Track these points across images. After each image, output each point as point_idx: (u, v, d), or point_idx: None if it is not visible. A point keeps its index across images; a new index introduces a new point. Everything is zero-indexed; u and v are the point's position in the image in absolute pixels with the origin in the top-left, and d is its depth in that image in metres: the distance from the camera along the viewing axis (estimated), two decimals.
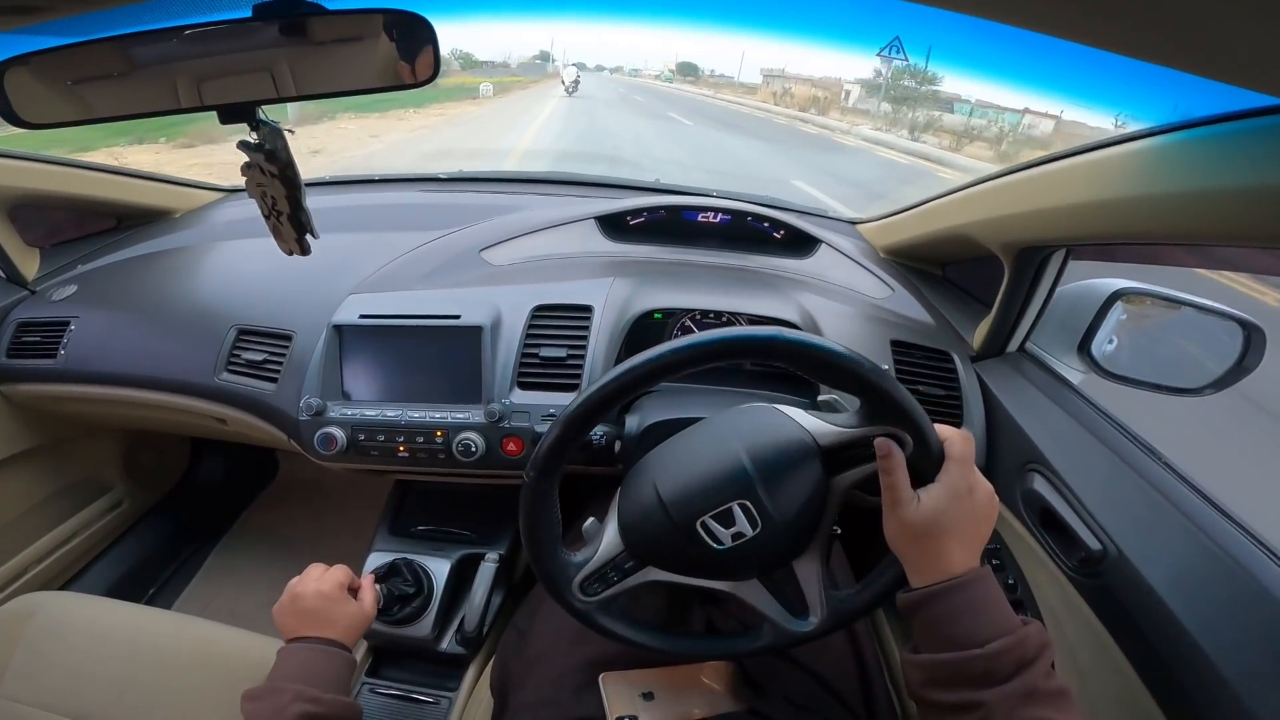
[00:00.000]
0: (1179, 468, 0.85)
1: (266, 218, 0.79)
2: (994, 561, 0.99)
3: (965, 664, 0.56)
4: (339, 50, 0.67)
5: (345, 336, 1.12)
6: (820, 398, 0.78)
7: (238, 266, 1.37)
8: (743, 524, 0.67)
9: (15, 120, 0.65)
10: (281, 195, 0.74)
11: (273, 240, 1.39)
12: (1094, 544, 0.82)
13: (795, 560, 0.73)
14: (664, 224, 1.44)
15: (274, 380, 1.16)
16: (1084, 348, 1.05)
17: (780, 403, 1.04)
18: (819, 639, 0.75)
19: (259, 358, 1.18)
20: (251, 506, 2.03)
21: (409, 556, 1.22)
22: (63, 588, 1.53)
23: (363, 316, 1.11)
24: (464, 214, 1.47)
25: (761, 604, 0.75)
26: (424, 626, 1.16)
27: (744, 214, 1.42)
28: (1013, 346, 1.15)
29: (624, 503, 0.74)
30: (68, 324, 1.28)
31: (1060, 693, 0.56)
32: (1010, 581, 0.96)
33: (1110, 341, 1.08)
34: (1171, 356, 1.04)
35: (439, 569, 1.22)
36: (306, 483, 2.07)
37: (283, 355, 1.17)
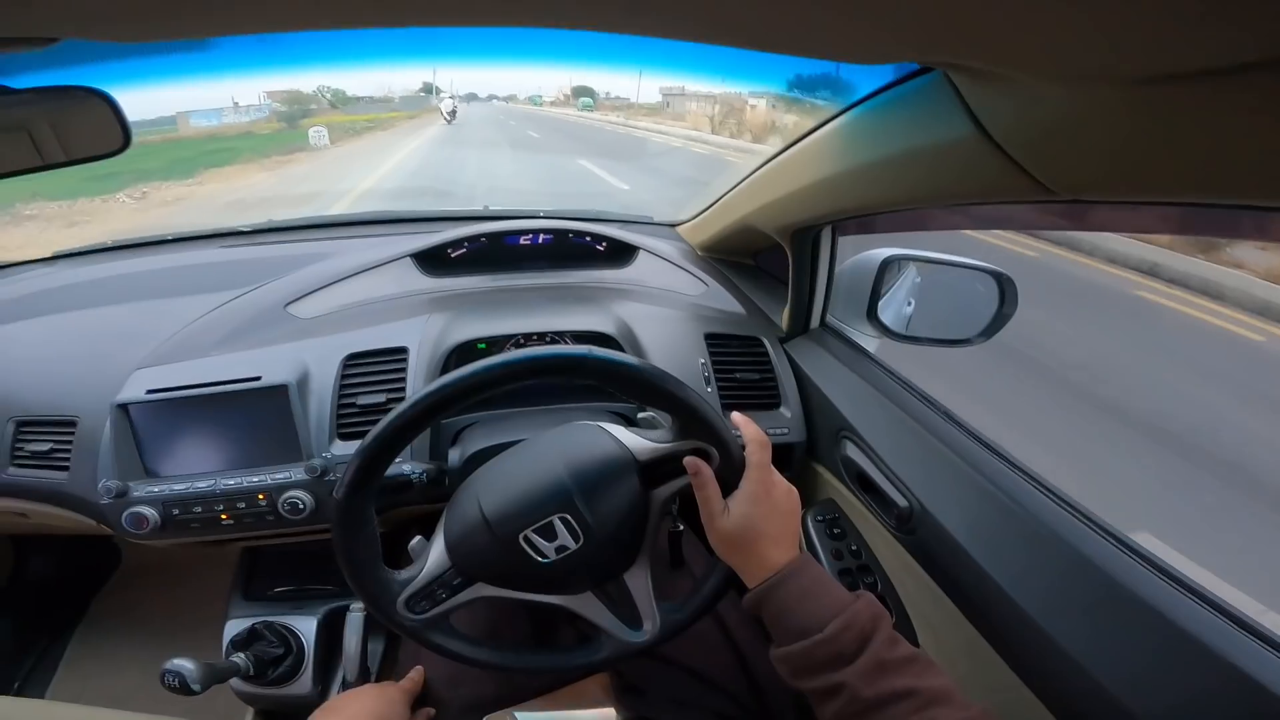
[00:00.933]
0: (962, 420, 0.94)
1: None
2: (835, 530, 1.05)
3: (812, 651, 0.62)
4: (57, 123, 0.66)
5: (135, 414, 1.07)
6: (640, 414, 0.83)
7: (9, 353, 1.29)
8: (565, 537, 0.70)
9: None
10: None
11: (47, 321, 1.34)
12: (902, 501, 0.90)
13: (625, 572, 0.77)
14: (487, 252, 1.45)
15: (65, 469, 1.11)
16: (872, 314, 1.14)
17: (604, 415, 1.09)
18: (656, 647, 0.79)
19: (44, 448, 1.13)
20: (102, 592, 1.93)
21: (269, 619, 1.22)
22: None
23: (150, 392, 1.07)
24: (269, 268, 1.43)
25: (596, 616, 0.77)
26: (303, 684, 1.18)
27: (565, 232, 1.46)
28: (814, 323, 1.24)
29: (449, 520, 0.76)
30: None
31: (910, 659, 0.61)
32: (854, 548, 1.03)
33: (909, 305, 1.18)
34: (952, 313, 1.15)
35: (305, 626, 1.22)
36: (156, 561, 1.97)
37: (69, 441, 1.12)
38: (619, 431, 0.77)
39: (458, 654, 0.77)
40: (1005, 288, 1.04)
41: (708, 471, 0.71)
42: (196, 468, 1.08)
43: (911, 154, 0.69)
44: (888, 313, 1.15)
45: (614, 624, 0.78)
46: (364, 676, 1.14)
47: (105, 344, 1.23)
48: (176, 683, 0.95)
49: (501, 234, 1.44)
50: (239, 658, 1.11)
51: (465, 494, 0.77)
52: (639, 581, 0.78)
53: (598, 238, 1.48)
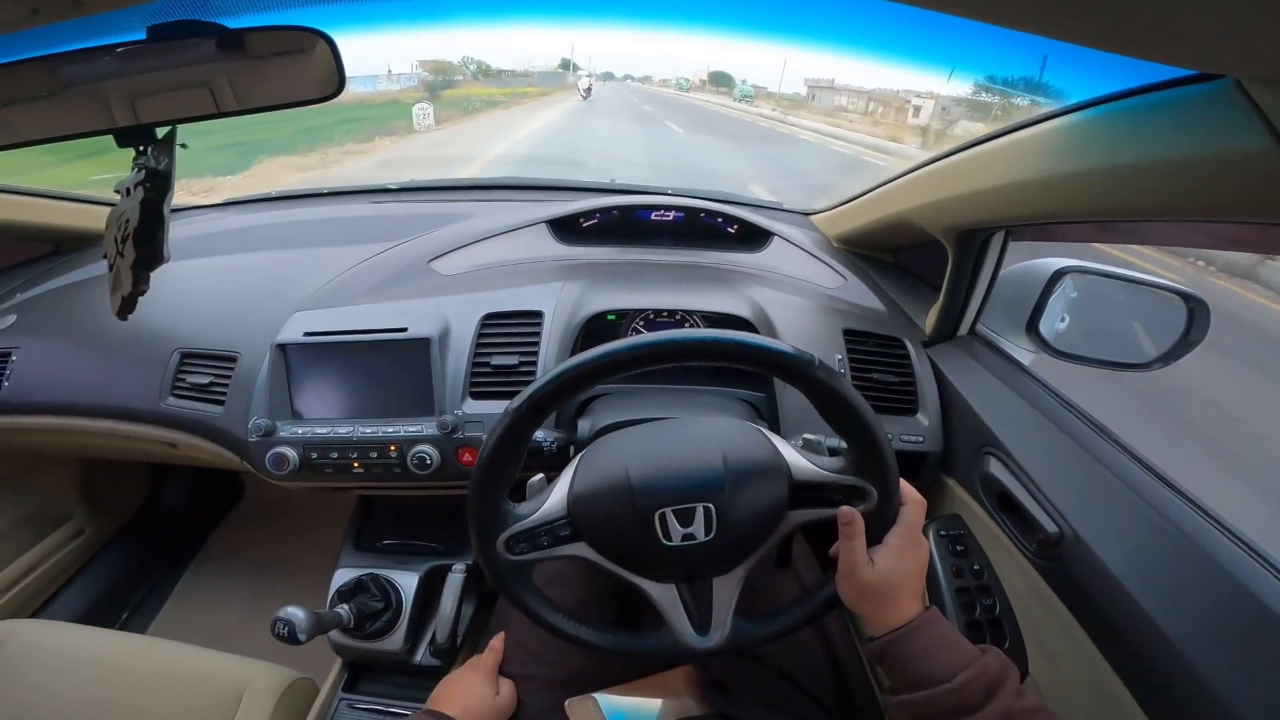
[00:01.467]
0: (1129, 445, 0.87)
1: (111, 268, 0.75)
2: (958, 548, 1.00)
3: (938, 699, 0.62)
4: (273, 64, 0.68)
5: (291, 355, 1.13)
6: (805, 436, 0.81)
7: (179, 289, 1.38)
8: (699, 526, 0.70)
9: None
10: (136, 204, 0.69)
11: (215, 261, 1.46)
12: (1051, 527, 0.84)
13: (718, 576, 0.75)
14: (617, 224, 1.47)
15: (221, 403, 1.18)
16: (1032, 327, 1.06)
17: (734, 401, 1.07)
18: (711, 658, 0.78)
19: (204, 381, 1.20)
20: (220, 529, 2.07)
21: (375, 571, 1.25)
22: (32, 616, 1.57)
23: (307, 334, 1.13)
24: (413, 224, 1.50)
25: (668, 608, 0.76)
26: (395, 640, 1.20)
27: (697, 210, 1.44)
28: (963, 330, 1.17)
29: (584, 471, 0.75)
30: (9, 355, 1.30)
31: (1037, 710, 0.60)
32: (976, 567, 0.97)
33: (1062, 320, 1.09)
34: (1120, 333, 1.05)
35: (407, 582, 1.25)
36: (274, 503, 2.11)
37: (228, 377, 1.19)
38: (780, 444, 0.75)
39: (526, 606, 0.77)
40: (1195, 311, 0.94)
41: (860, 524, 0.70)
42: (337, 413, 1.13)
43: (1172, 164, 0.64)
44: (1043, 327, 1.07)
45: (681, 621, 0.76)
46: (452, 639, 1.16)
47: (267, 286, 1.32)
48: (286, 631, 0.97)
49: (633, 208, 1.45)
50: (343, 609, 1.14)
51: (610, 453, 0.76)
52: (726, 589, 0.76)
53: (729, 219, 1.46)
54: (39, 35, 0.63)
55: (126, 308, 0.74)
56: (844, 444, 0.72)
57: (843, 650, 0.96)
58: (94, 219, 1.59)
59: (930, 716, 0.63)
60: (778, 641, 0.78)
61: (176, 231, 1.56)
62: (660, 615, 0.76)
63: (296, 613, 0.98)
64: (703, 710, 0.85)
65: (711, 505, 0.69)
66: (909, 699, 0.64)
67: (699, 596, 0.76)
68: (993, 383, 1.05)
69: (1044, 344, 1.06)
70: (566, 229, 1.46)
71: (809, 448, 0.77)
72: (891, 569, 0.69)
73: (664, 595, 0.76)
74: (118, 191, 0.69)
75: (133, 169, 0.68)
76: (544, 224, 1.44)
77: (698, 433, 0.77)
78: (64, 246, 1.61)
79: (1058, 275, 1.03)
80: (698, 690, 0.88)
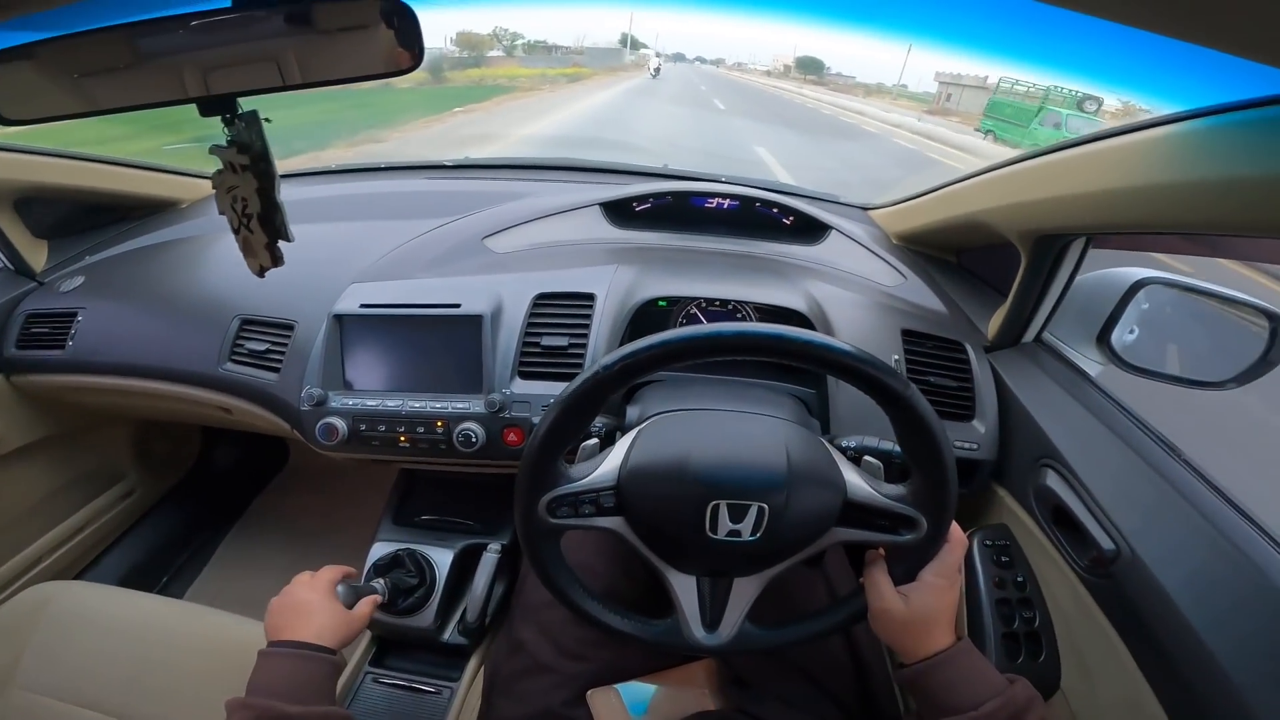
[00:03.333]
0: (1197, 464, 0.86)
1: (236, 232, 0.79)
2: (1003, 559, 1.01)
3: None
4: (342, 38, 0.70)
5: (346, 326, 1.17)
6: (865, 458, 0.81)
7: (239, 257, 1.45)
8: (747, 525, 0.70)
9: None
10: (252, 191, 0.74)
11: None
12: (1107, 544, 0.84)
13: (743, 577, 0.76)
14: (671, 210, 1.48)
15: (276, 370, 1.22)
16: (1103, 339, 1.05)
17: (784, 396, 1.08)
18: (713, 656, 0.81)
19: (261, 347, 1.24)
20: (263, 494, 2.14)
21: (412, 547, 1.29)
22: (76, 578, 1.63)
23: (363, 306, 1.16)
24: (468, 201, 1.53)
25: (683, 598, 0.77)
26: (426, 617, 1.23)
27: (752, 200, 1.44)
28: (1029, 337, 1.15)
29: (643, 445, 0.75)
30: (75, 314, 1.36)
31: None
32: (1019, 579, 0.98)
33: (1131, 332, 1.07)
34: (1194, 349, 1.04)
35: (441, 559, 1.29)
36: (317, 470, 2.18)
37: (285, 345, 1.23)
38: (840, 460, 0.75)
39: (547, 571, 0.77)
40: (1278, 331, 0.91)
41: (882, 566, 0.75)
42: (387, 386, 1.17)
43: None
44: (1114, 339, 1.05)
45: (693, 614, 0.77)
46: (481, 619, 1.19)
47: (325, 257, 1.36)
48: None
49: (688, 194, 1.46)
50: (378, 583, 1.15)
51: (671, 434, 0.76)
52: (746, 591, 0.76)
53: (786, 210, 1.45)
54: (122, 5, 0.67)
55: (262, 273, 0.83)
56: (890, 462, 0.76)
57: (867, 653, 0.97)
58: (159, 187, 1.67)
59: None
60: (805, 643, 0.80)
61: None
62: (672, 605, 0.77)
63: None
64: (722, 704, 0.87)
65: (766, 506, 0.69)
66: None
67: (717, 593, 0.76)
68: (1057, 393, 1.03)
69: (1114, 356, 1.04)
70: (619, 212, 1.47)
71: (868, 469, 0.77)
72: (925, 605, 0.72)
73: (683, 586, 0.76)
74: (212, 154, 0.73)
75: (226, 141, 0.71)
76: (597, 206, 1.46)
77: (762, 430, 0.77)
78: (132, 212, 1.68)
79: (1136, 286, 1.01)
80: (718, 685, 0.90)
